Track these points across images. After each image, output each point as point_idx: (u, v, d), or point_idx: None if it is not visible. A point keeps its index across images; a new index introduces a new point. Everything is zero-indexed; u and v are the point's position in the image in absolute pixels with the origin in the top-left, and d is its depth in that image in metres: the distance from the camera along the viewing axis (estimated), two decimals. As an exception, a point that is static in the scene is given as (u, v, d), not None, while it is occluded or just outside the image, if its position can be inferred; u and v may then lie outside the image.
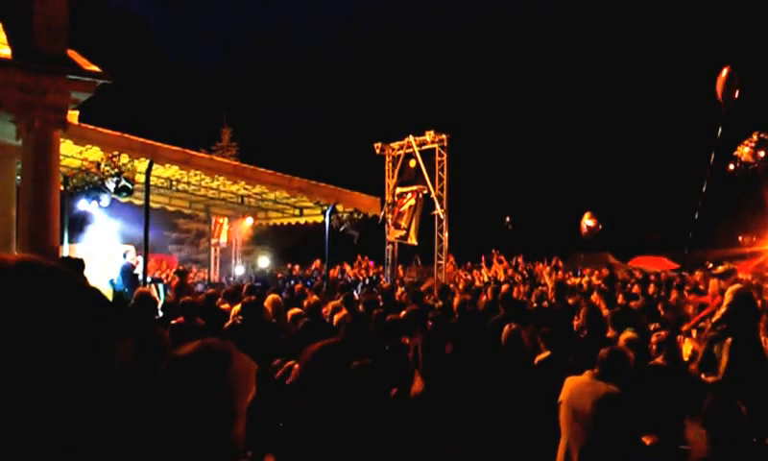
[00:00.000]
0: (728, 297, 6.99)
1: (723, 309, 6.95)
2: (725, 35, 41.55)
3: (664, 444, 5.19)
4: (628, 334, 6.31)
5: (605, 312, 8.83)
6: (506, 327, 7.16)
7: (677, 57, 46.72)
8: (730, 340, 6.66)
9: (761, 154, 16.80)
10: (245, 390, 1.91)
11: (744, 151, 16.97)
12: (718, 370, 6.68)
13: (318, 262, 24.03)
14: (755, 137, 16.93)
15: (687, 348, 8.72)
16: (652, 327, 8.26)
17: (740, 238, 24.94)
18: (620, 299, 11.68)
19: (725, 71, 14.25)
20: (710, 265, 22.92)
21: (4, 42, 9.80)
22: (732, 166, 17.45)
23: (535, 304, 11.39)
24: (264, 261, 26.54)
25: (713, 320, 7.18)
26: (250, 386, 1.94)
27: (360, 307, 9.11)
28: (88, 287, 0.98)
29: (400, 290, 14.54)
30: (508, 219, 31.26)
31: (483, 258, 23.32)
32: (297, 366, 5.92)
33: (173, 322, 7.88)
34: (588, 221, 22.12)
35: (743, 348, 6.61)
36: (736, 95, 14.73)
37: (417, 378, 5.91)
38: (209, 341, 2.00)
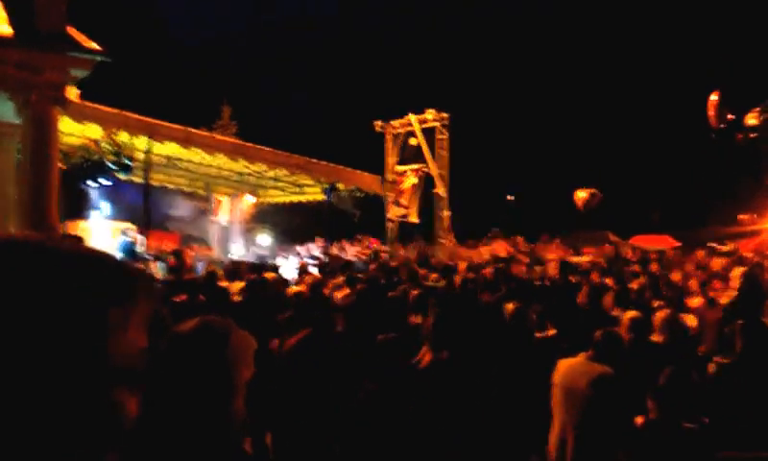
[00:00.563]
0: (736, 280, 6.97)
1: (734, 293, 6.94)
2: (725, 9, 41.35)
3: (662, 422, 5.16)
4: (632, 314, 6.27)
5: (609, 291, 8.83)
6: (510, 305, 7.16)
7: (677, 35, 46.50)
8: (741, 322, 6.64)
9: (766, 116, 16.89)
10: (244, 366, 1.94)
11: (751, 119, 17.03)
12: (731, 352, 6.66)
13: (318, 240, 24.01)
14: (759, 107, 17.02)
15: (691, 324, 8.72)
16: (656, 304, 8.22)
17: (739, 217, 24.91)
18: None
19: (714, 96, 14.54)
20: (713, 245, 22.99)
21: (3, 20, 9.72)
22: (740, 135, 17.54)
23: (537, 282, 11.41)
24: (265, 239, 26.50)
25: (723, 303, 7.18)
26: (249, 362, 1.97)
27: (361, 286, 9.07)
28: (85, 256, 0.92)
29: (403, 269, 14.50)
30: (510, 197, 31.27)
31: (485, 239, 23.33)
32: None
33: (175, 299, 7.86)
34: (580, 194, 22.16)
35: (755, 329, 6.60)
36: (728, 118, 15.01)
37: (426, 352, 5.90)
38: (209, 318, 2.02)
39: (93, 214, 17.69)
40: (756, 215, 24.46)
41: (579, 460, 4.78)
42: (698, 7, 44.63)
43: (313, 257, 20.53)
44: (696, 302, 9.38)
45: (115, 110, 12.37)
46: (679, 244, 26.34)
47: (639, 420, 5.02)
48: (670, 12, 48.96)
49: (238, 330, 2.06)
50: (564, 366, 5.03)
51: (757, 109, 16.77)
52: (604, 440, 4.67)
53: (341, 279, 10.08)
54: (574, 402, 4.78)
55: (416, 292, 8.05)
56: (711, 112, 16.32)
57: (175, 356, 1.95)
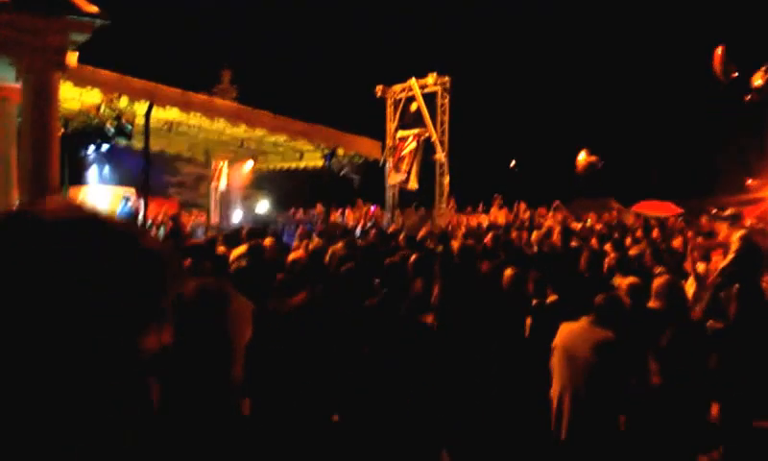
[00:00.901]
0: (735, 243, 6.97)
1: (731, 255, 6.95)
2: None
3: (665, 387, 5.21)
4: (630, 279, 6.29)
5: (610, 256, 8.87)
6: (508, 271, 7.20)
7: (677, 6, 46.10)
8: (737, 287, 6.64)
9: None
10: (242, 329, 1.98)
11: (758, 80, 16.94)
12: (726, 316, 6.68)
13: (319, 207, 24.06)
14: (765, 67, 16.92)
15: (689, 290, 8.76)
16: (657, 270, 8.26)
17: (749, 181, 24.84)
18: (628, 242, 11.68)
19: (720, 50, 14.44)
20: (715, 210, 22.98)
21: (1, -18, 9.67)
22: (748, 97, 17.46)
23: (535, 249, 11.45)
24: (263, 205, 26.53)
25: (720, 266, 7.19)
26: (247, 325, 2.00)
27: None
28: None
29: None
30: (513, 163, 31.13)
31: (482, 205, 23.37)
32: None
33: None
34: (583, 156, 22.09)
35: (750, 294, 6.61)
36: (733, 75, 14.94)
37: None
38: (207, 282, 2.05)
39: (93, 180, 17.75)
40: (760, 181, 24.44)
41: (576, 422, 4.83)
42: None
43: (312, 224, 20.61)
44: (697, 268, 9.45)
45: (116, 75, 12.35)
46: (682, 211, 26.38)
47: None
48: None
49: (236, 294, 2.10)
50: (566, 330, 5.08)
51: (763, 67, 16.66)
52: (602, 403, 4.75)
53: (340, 245, 10.15)
54: (575, 366, 4.84)
55: (414, 257, 8.11)
56: (717, 67, 16.19)
57: (173, 319, 1.93)
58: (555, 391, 5.02)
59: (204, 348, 1.92)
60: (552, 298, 6.32)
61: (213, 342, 1.94)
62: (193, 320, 1.99)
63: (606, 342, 4.71)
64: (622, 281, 6.64)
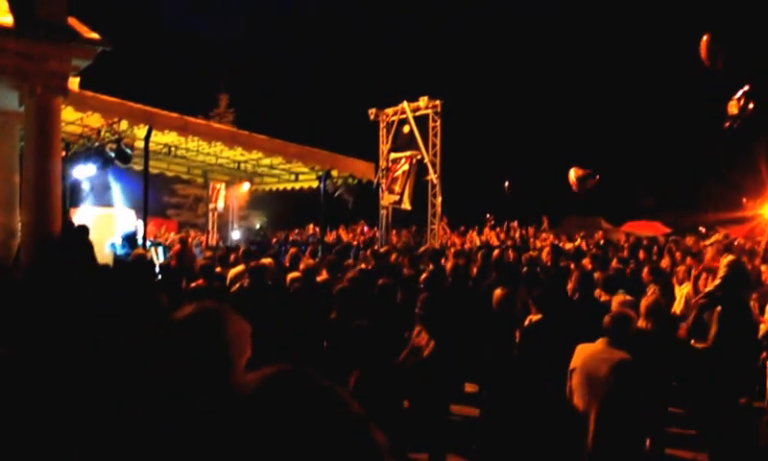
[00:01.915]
0: (722, 269, 7.16)
1: (717, 280, 7.10)
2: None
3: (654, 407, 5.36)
4: (620, 297, 6.40)
5: (597, 276, 9.05)
6: (497, 291, 7.43)
7: (669, 21, 46.62)
8: (719, 308, 6.85)
9: (750, 106, 17.07)
10: (241, 349, 2.08)
11: (732, 107, 17.22)
12: (708, 337, 6.89)
13: (311, 227, 24.33)
14: (739, 92, 17.18)
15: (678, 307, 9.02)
16: (650, 290, 8.46)
17: (744, 201, 25.10)
18: (614, 263, 11.85)
19: (705, 38, 14.71)
20: (704, 230, 23.26)
21: (5, 10, 9.91)
22: (727, 124, 17.71)
23: (525, 269, 11.63)
24: (258, 225, 26.80)
25: (706, 290, 7.40)
26: (245, 347, 2.07)
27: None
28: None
29: (394, 255, 14.78)
30: (507, 184, 31.41)
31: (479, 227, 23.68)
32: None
33: (192, 285, 8.17)
34: (575, 172, 22.31)
35: (733, 316, 6.81)
36: (720, 60, 15.15)
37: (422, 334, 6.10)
38: (207, 303, 2.16)
39: (94, 201, 17.95)
40: (745, 199, 24.75)
41: (600, 443, 4.82)
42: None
43: (305, 243, 20.83)
44: (683, 288, 9.69)
45: (116, 100, 12.53)
46: (670, 230, 26.72)
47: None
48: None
49: (234, 315, 2.09)
50: (584, 352, 5.08)
51: (735, 96, 16.98)
52: (626, 424, 4.76)
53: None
54: (595, 388, 4.84)
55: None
56: (703, 53, 16.39)
57: (173, 342, 2.01)
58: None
59: (201, 370, 2.02)
60: (536, 317, 6.40)
61: (211, 363, 2.04)
62: (190, 342, 1.99)
63: (623, 363, 4.73)
64: (610, 300, 6.84)
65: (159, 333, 2.03)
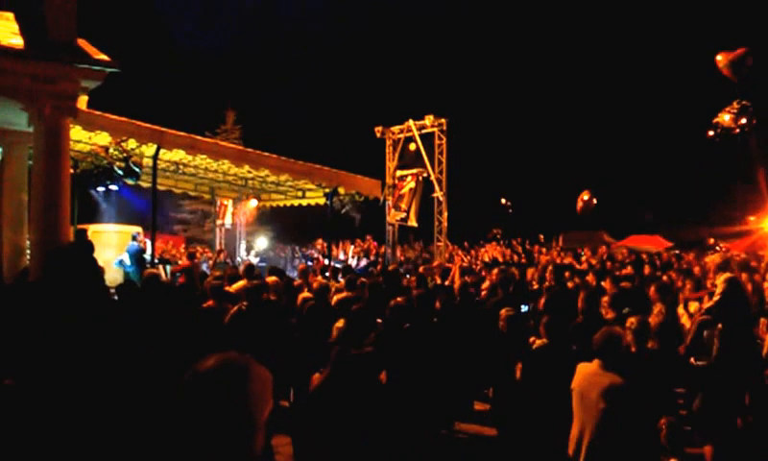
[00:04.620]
0: (720, 285, 7.17)
1: (716, 297, 7.09)
2: (715, 16, 41.58)
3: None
4: (631, 321, 6.16)
5: (607, 292, 8.98)
6: (503, 311, 7.44)
7: (669, 43, 46.80)
8: (720, 326, 6.87)
9: (742, 121, 17.12)
10: (264, 403, 2.02)
11: (725, 118, 17.28)
12: (710, 354, 6.89)
13: (320, 242, 24.39)
14: (735, 105, 17.24)
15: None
16: (656, 309, 8.43)
17: (751, 218, 25.05)
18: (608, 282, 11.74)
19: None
20: (712, 241, 23.25)
21: (15, 32, 10.01)
22: (711, 132, 17.77)
23: (536, 286, 11.60)
24: (263, 242, 26.88)
25: (705, 306, 7.42)
26: (268, 398, 2.04)
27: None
28: None
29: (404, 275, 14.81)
30: (504, 200, 31.54)
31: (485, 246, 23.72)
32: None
33: (204, 305, 8.18)
34: (584, 197, 22.58)
35: (733, 334, 6.83)
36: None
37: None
38: (230, 355, 2.10)
39: (102, 219, 18.05)
40: (743, 213, 24.75)
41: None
42: (689, 9, 44.98)
43: (312, 258, 20.90)
44: (690, 307, 9.65)
45: (125, 119, 12.60)
46: (671, 244, 26.68)
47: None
48: (662, 17, 49.31)
49: (257, 366, 2.06)
50: (581, 372, 5.08)
51: (728, 108, 17.02)
52: (618, 447, 4.69)
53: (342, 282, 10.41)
54: (588, 409, 4.84)
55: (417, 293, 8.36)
56: (727, 66, 16.37)
57: (196, 394, 1.98)
58: (574, 430, 5.01)
59: (224, 423, 2.00)
60: (540, 342, 6.35)
61: (234, 417, 2.02)
62: (213, 395, 1.97)
63: (614, 387, 4.69)
64: (618, 318, 6.82)
65: (182, 386, 1.99)
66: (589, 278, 12.42)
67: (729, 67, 16.67)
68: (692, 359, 6.97)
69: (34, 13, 10.08)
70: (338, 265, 16.99)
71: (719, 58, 16.91)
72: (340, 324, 5.51)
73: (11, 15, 10.55)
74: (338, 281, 11.40)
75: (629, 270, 14.78)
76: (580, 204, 22.41)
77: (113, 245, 17.54)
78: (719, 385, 6.63)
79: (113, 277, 14.84)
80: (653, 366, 5.72)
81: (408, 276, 14.56)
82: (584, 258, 21.01)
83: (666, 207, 38.04)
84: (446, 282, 11.41)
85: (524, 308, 8.94)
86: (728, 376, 6.61)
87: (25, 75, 9.73)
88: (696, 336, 7.05)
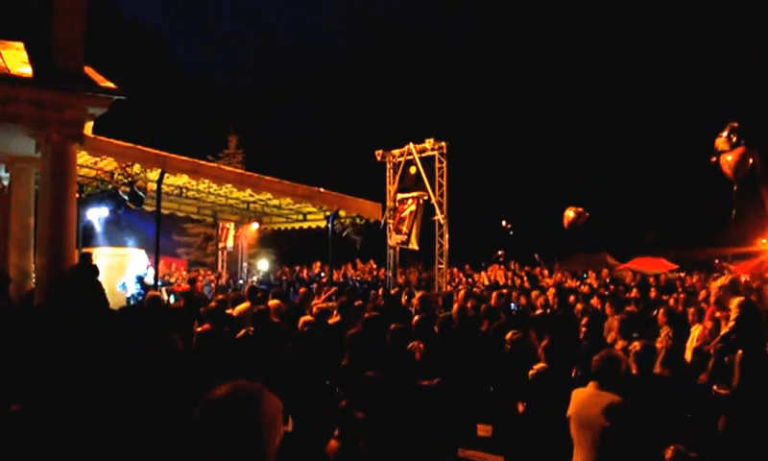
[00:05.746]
0: (734, 310, 7.07)
1: (731, 323, 7.03)
2: (719, 35, 41.94)
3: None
4: (636, 346, 6.15)
5: (609, 316, 8.97)
6: (509, 334, 7.47)
7: (669, 55, 47.17)
8: (740, 352, 6.74)
9: (734, 138, 17.27)
10: (274, 431, 2.03)
11: (720, 142, 17.45)
12: (731, 382, 6.76)
13: (318, 265, 24.47)
14: (728, 128, 17.42)
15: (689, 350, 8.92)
16: (663, 332, 8.44)
17: (763, 240, 25.04)
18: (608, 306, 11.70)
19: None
20: (717, 262, 23.21)
21: (25, 61, 10.17)
22: (714, 158, 17.92)
23: (540, 311, 11.60)
24: (264, 264, 26.99)
25: (722, 333, 7.34)
26: (278, 426, 2.05)
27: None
28: None
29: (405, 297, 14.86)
30: (504, 223, 31.64)
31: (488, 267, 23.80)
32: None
33: (199, 329, 8.21)
34: (569, 213, 22.61)
35: (754, 360, 6.70)
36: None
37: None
38: (240, 384, 2.07)
39: (106, 242, 18.17)
40: (763, 237, 24.72)
41: None
42: (692, 27, 45.34)
43: (312, 282, 20.96)
44: (695, 331, 9.56)
45: (129, 145, 12.72)
46: (675, 266, 26.63)
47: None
48: (663, 35, 49.65)
49: (269, 394, 2.07)
50: (578, 397, 5.04)
51: (723, 133, 17.19)
52: None
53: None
54: (590, 432, 4.78)
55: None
56: (729, 168, 16.62)
57: (207, 423, 2.00)
58: (576, 458, 4.93)
59: (235, 451, 2.04)
60: (539, 366, 6.31)
61: (245, 446, 2.06)
62: (225, 423, 1.99)
63: (614, 406, 4.65)
64: (625, 345, 6.81)
65: (193, 414, 2.01)
66: (594, 301, 12.43)
67: (729, 169, 16.98)
68: (714, 387, 6.85)
69: (42, 42, 10.24)
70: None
71: (718, 151, 17.23)
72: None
73: (21, 45, 10.71)
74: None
75: (634, 293, 14.80)
76: (566, 220, 22.46)
77: (117, 268, 17.66)
78: (741, 414, 6.51)
79: (117, 300, 14.93)
80: (657, 390, 5.69)
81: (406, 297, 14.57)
82: (587, 281, 21.07)
83: (670, 228, 38.11)
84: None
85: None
86: (750, 405, 6.47)
87: (33, 102, 9.87)
88: (717, 363, 6.94)
